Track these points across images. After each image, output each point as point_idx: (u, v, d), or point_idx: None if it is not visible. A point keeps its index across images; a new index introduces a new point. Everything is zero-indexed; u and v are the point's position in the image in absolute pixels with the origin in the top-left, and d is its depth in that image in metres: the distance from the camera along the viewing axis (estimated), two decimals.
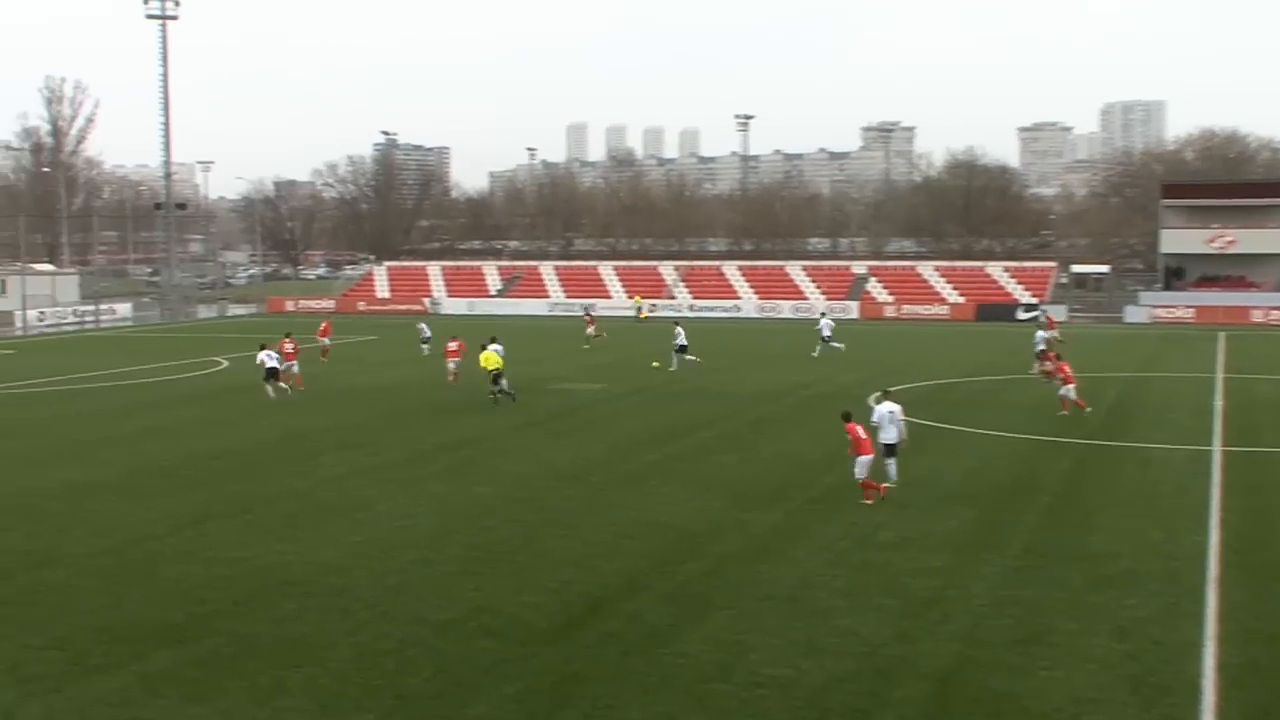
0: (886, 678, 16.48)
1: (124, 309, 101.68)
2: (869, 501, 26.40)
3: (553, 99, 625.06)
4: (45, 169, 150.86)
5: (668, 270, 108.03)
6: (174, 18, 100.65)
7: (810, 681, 16.35)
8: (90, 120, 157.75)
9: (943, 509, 26.19)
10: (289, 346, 49.46)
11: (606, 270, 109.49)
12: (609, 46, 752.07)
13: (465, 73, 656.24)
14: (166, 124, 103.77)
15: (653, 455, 32.68)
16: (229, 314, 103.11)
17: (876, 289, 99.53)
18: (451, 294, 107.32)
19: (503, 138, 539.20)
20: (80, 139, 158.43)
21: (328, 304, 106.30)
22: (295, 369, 48.73)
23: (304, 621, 18.87)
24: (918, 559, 22.24)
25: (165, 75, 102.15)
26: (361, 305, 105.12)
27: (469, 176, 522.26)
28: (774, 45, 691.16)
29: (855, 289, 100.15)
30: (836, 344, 61.37)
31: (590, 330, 68.63)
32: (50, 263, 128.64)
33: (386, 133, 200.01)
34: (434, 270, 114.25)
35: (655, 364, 55.27)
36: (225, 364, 58.55)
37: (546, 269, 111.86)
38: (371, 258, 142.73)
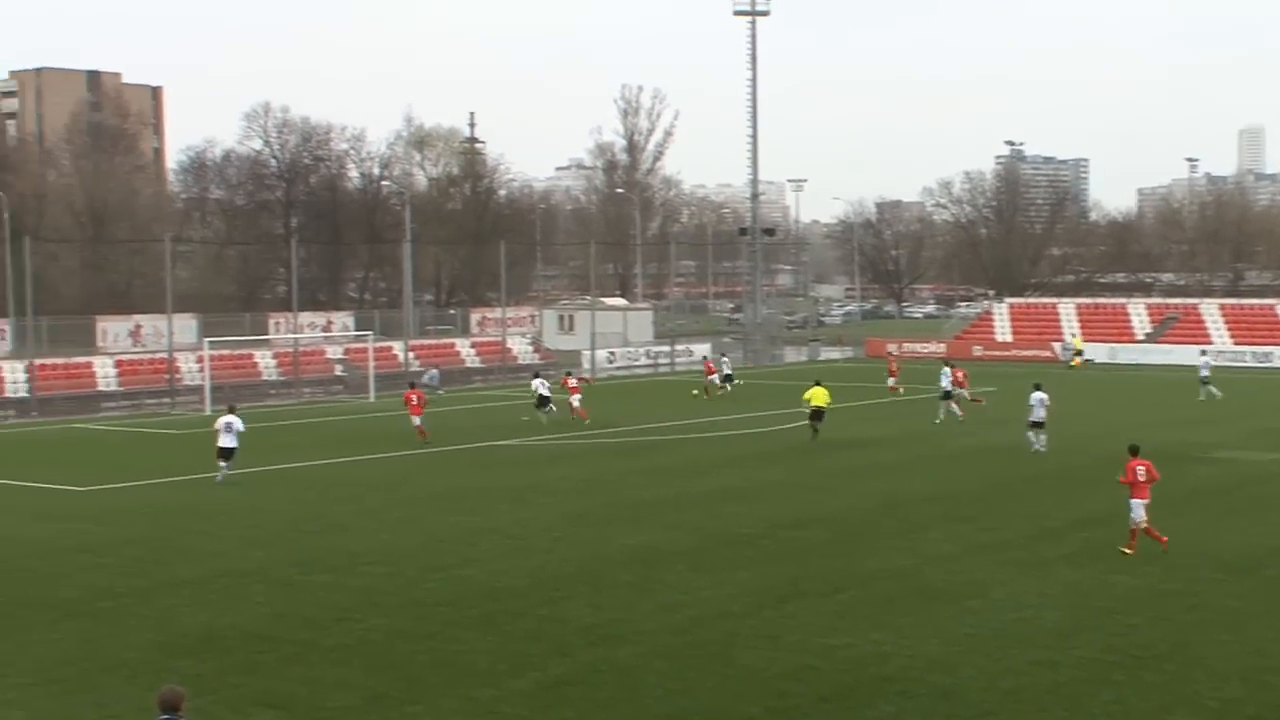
0: None
1: (701, 349, 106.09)
2: (1128, 550, 29.61)
3: (1220, 98, 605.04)
4: (619, 189, 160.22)
5: None
6: (765, 13, 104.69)
7: None
8: (669, 134, 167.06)
9: None
10: (572, 382, 61.60)
11: None
12: None
13: (1108, 69, 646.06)
14: (754, 136, 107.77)
15: None
16: (821, 358, 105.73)
17: None
18: (1088, 337, 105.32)
19: (1154, 146, 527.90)
20: (658, 155, 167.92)
21: (937, 347, 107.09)
22: (577, 403, 59.63)
23: None
24: None
25: (754, 80, 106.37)
26: (978, 350, 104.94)
27: (1112, 194, 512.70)
28: None
29: None
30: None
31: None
32: (622, 296, 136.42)
33: (1011, 143, 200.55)
34: (1066, 308, 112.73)
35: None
36: None
37: (1209, 308, 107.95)
38: (990, 293, 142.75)
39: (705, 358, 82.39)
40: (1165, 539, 29.86)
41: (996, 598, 26.19)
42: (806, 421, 51.75)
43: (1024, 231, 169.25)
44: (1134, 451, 30.85)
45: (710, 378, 73.61)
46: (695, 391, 72.34)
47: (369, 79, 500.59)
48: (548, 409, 58.40)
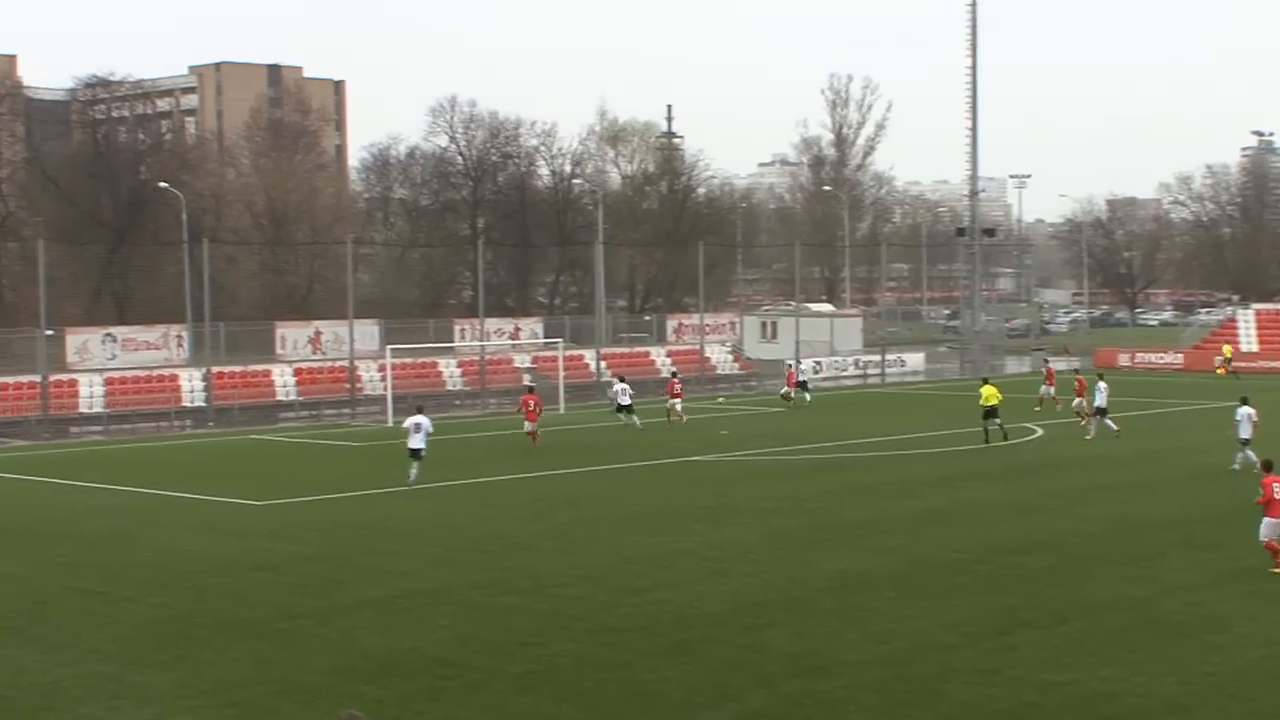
0: None
1: (915, 359, 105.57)
2: (1277, 569, 29.76)
3: None
4: (826, 187, 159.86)
5: None
6: None
7: None
8: (881, 127, 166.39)
9: None
10: (677, 386, 65.53)
11: None
12: None
13: None
14: (974, 128, 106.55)
15: None
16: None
17: None
18: None
19: None
20: (868, 150, 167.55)
21: (1173, 358, 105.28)
22: (679, 406, 64.24)
23: None
24: None
25: (974, 68, 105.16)
26: (1219, 360, 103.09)
27: None
28: None
29: None
30: None
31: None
32: (828, 301, 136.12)
33: (1259, 134, 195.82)
34: None
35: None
36: (1039, 432, 59.31)
37: None
38: (1234, 298, 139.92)
39: (788, 365, 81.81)
40: None
41: (1241, 633, 25.61)
42: (981, 423, 55.57)
43: (1273, 231, 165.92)
44: (1268, 468, 31.27)
45: (788, 388, 75.35)
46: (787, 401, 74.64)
47: (560, 71, 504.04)
48: (630, 418, 61.27)
